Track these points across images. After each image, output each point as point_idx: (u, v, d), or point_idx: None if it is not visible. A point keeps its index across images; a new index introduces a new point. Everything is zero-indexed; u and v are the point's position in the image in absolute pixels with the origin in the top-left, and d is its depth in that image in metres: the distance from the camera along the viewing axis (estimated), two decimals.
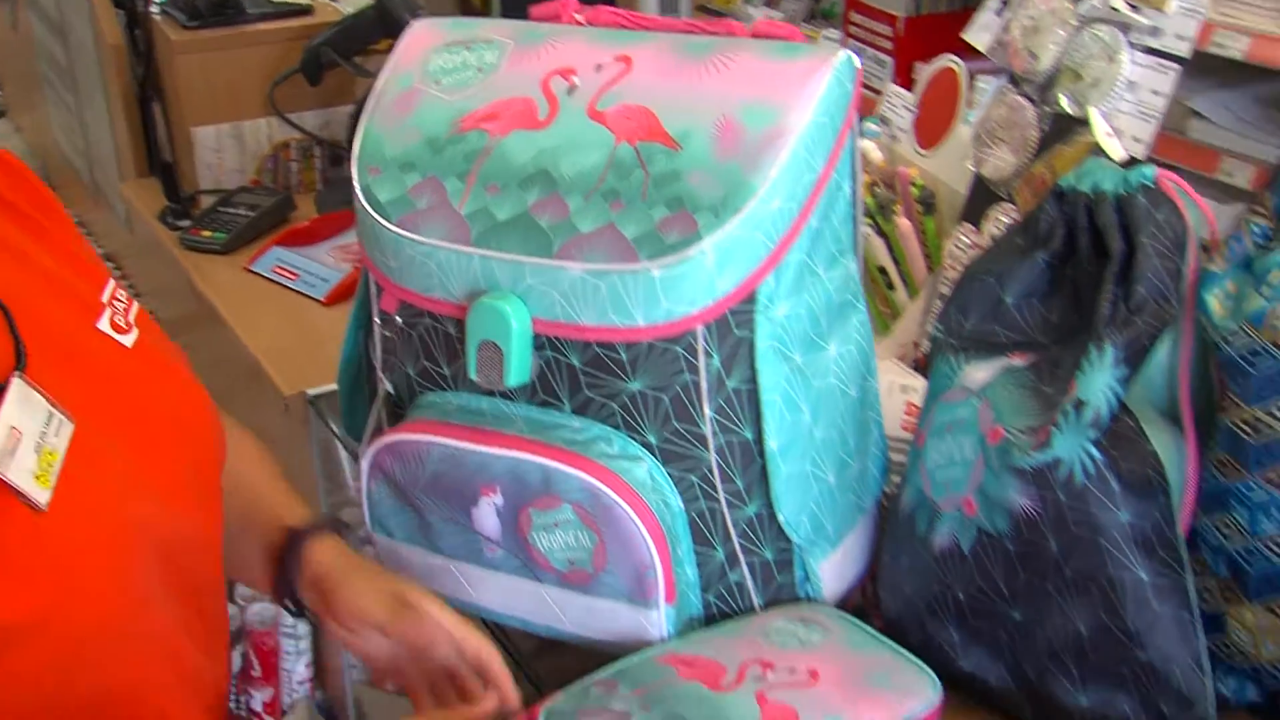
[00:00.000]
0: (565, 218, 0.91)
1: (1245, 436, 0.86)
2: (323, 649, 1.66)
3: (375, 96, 1.01)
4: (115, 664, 0.73)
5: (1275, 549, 0.86)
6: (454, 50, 1.01)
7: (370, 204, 0.96)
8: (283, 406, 1.45)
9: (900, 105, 1.48)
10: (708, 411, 0.91)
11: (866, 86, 1.82)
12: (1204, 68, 2.73)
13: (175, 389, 0.88)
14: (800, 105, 0.90)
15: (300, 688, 1.66)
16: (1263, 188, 0.90)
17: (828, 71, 0.91)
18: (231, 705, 1.61)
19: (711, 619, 0.97)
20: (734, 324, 0.90)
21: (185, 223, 1.82)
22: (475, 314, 0.92)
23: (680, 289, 0.88)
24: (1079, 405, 0.86)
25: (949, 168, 1.38)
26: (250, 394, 1.58)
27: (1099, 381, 0.86)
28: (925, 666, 0.91)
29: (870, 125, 1.49)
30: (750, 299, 0.90)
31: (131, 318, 0.85)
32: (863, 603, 1.04)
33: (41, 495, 0.70)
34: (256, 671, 1.61)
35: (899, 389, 1.20)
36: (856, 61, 0.94)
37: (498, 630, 1.08)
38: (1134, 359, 0.87)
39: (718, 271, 0.88)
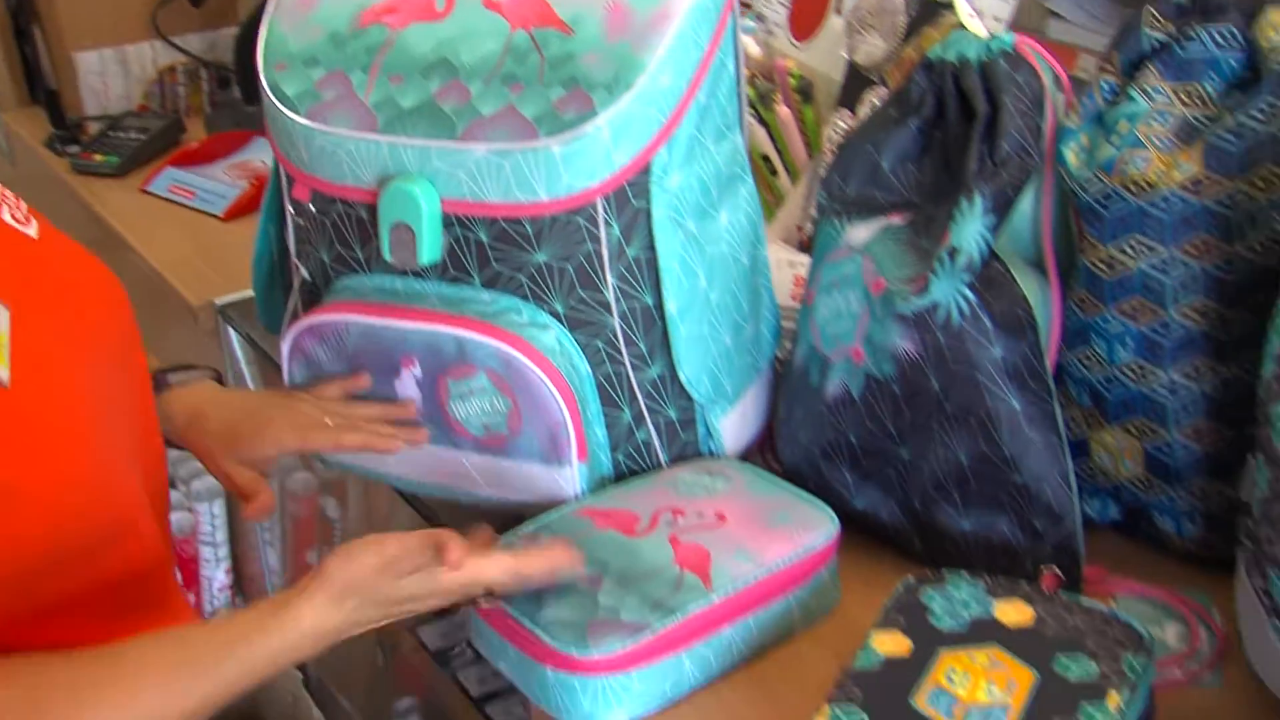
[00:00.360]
0: (467, 102, 0.96)
1: (1101, 274, 0.94)
2: (241, 556, 1.70)
3: None
4: (93, 514, 0.79)
5: (1130, 374, 0.95)
6: None
7: (278, 98, 1.00)
8: (192, 318, 1.49)
9: (775, 1, 1.54)
10: (610, 279, 0.97)
11: None
12: None
13: (86, 267, 0.92)
14: None
15: (220, 595, 1.70)
16: (1111, 47, 0.98)
17: None
18: None
19: (621, 477, 1.04)
20: (631, 195, 0.96)
21: (74, 148, 1.83)
22: (386, 198, 0.97)
23: (579, 163, 0.93)
24: (953, 252, 0.94)
25: (824, 57, 1.45)
26: (157, 311, 1.60)
27: (970, 229, 0.94)
28: (822, 503, 0.99)
29: (747, 22, 1.55)
30: (645, 171, 0.96)
31: (24, 212, 0.89)
32: (762, 456, 1.11)
33: (2, 373, 0.75)
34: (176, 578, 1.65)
35: (786, 264, 1.27)
36: None
37: (421, 505, 1.14)
38: (1001, 208, 0.95)
39: (613, 145, 0.94)
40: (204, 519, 1.60)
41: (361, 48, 0.99)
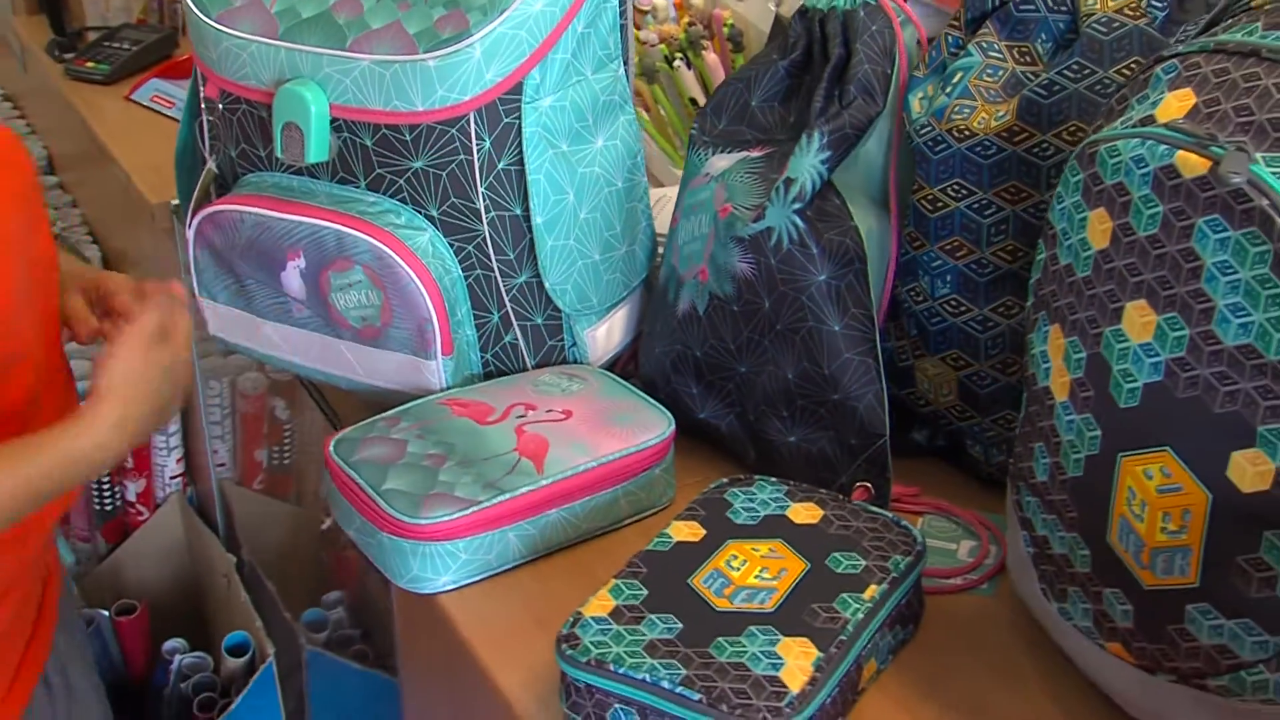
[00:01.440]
0: (359, 15, 1.04)
1: (926, 212, 1.01)
2: (192, 448, 1.81)
3: None
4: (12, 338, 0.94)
5: (949, 309, 1.02)
6: None
7: (194, 1, 1.10)
8: (150, 217, 1.58)
9: None
10: (480, 188, 1.06)
11: None
12: None
13: None
14: None
15: (172, 483, 1.80)
16: (961, 4, 1.05)
17: None
18: (107, 496, 1.76)
19: (490, 376, 1.13)
20: (503, 112, 1.05)
21: (70, 55, 1.93)
22: (279, 98, 1.05)
23: (453, 78, 1.02)
24: (788, 183, 1.02)
25: (757, 9, 1.52)
26: (125, 213, 1.70)
27: (805, 163, 1.02)
28: (664, 409, 1.07)
29: None
30: (517, 90, 1.05)
31: None
32: (629, 368, 1.19)
33: None
34: (129, 463, 1.76)
35: None
36: None
37: (313, 387, 1.23)
38: (838, 146, 1.02)
39: (485, 63, 1.02)
40: None
41: None
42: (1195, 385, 0.73)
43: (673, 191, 1.35)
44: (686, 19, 1.54)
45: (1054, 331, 0.83)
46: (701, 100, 1.51)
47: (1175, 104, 0.76)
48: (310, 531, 1.76)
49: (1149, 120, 0.77)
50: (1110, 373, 0.78)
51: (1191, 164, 0.72)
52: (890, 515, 0.95)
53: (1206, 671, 0.77)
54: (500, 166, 1.06)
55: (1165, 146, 0.74)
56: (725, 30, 1.50)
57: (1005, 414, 1.03)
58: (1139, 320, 0.76)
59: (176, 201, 1.57)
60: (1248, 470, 0.72)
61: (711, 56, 1.48)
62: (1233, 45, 0.76)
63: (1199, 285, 0.72)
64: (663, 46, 1.49)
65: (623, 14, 1.13)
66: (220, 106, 1.12)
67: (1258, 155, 0.70)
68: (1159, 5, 0.97)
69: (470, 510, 0.97)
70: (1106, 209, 0.78)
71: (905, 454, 1.08)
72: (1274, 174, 0.70)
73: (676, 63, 1.49)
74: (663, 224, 1.23)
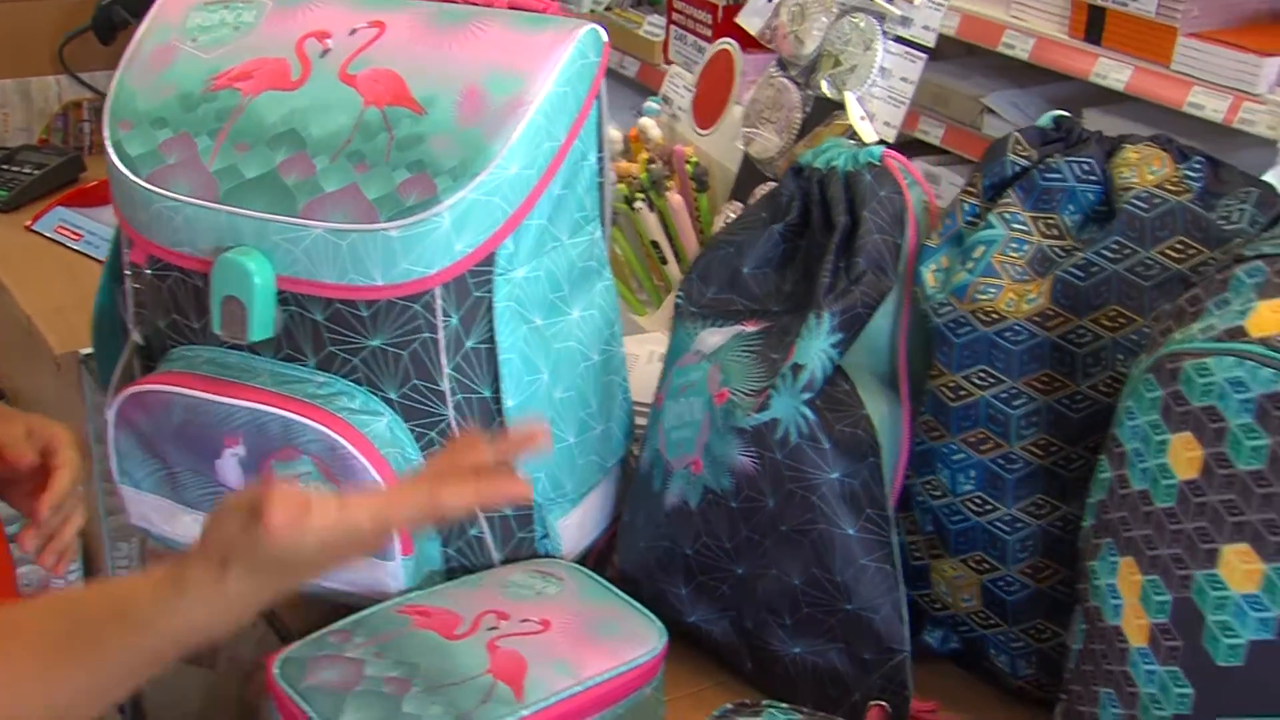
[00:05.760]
0: (311, 177, 0.93)
1: (947, 401, 0.91)
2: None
3: (131, 51, 1.02)
4: None
5: (972, 507, 0.92)
6: (212, 9, 1.02)
7: (120, 159, 0.97)
8: (55, 366, 1.44)
9: (682, 85, 1.53)
10: (446, 369, 0.94)
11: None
12: (998, 68, 2.85)
13: None
14: (542, 75, 0.94)
15: None
16: (976, 169, 0.96)
17: (571, 44, 0.95)
18: None
19: (453, 573, 1.00)
20: (473, 285, 0.93)
21: None
22: (219, 269, 0.93)
23: (418, 250, 0.90)
24: (796, 369, 0.91)
25: (723, 147, 1.43)
26: (25, 355, 1.56)
27: (815, 347, 0.91)
28: (653, 616, 0.95)
29: (652, 103, 1.53)
30: (489, 261, 0.93)
31: None
32: (606, 558, 1.08)
33: None
34: None
35: (659, 358, 1.24)
36: (603, 35, 0.98)
37: None
38: (849, 326, 0.92)
39: (455, 234, 0.91)
40: None
41: (211, 112, 0.96)
42: None
43: (639, 347, 1.24)
44: (645, 156, 1.44)
45: (1127, 565, 0.73)
46: (663, 244, 1.41)
47: (1270, 316, 0.67)
48: (229, 698, 1.61)
49: (1239, 333, 0.68)
50: (1204, 623, 0.68)
51: None
52: None
53: None
54: (468, 345, 0.94)
55: (1270, 370, 0.64)
56: (689, 168, 1.41)
57: (1036, 624, 0.93)
58: (1241, 567, 0.66)
59: (86, 351, 1.44)
60: None
61: (675, 198, 1.38)
62: None
63: None
64: (621, 186, 1.39)
65: (601, 171, 1.02)
66: (148, 273, 0.99)
67: None
68: (1195, 177, 0.89)
69: None
70: (1195, 434, 0.68)
71: (915, 658, 0.97)
72: None
73: (637, 204, 1.39)
74: (634, 388, 1.12)
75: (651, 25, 2.45)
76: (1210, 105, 1.99)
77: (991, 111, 2.60)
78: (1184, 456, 0.69)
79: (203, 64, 0.99)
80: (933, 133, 2.62)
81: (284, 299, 0.94)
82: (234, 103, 0.96)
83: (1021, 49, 2.31)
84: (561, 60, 0.94)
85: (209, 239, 0.94)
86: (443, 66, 0.95)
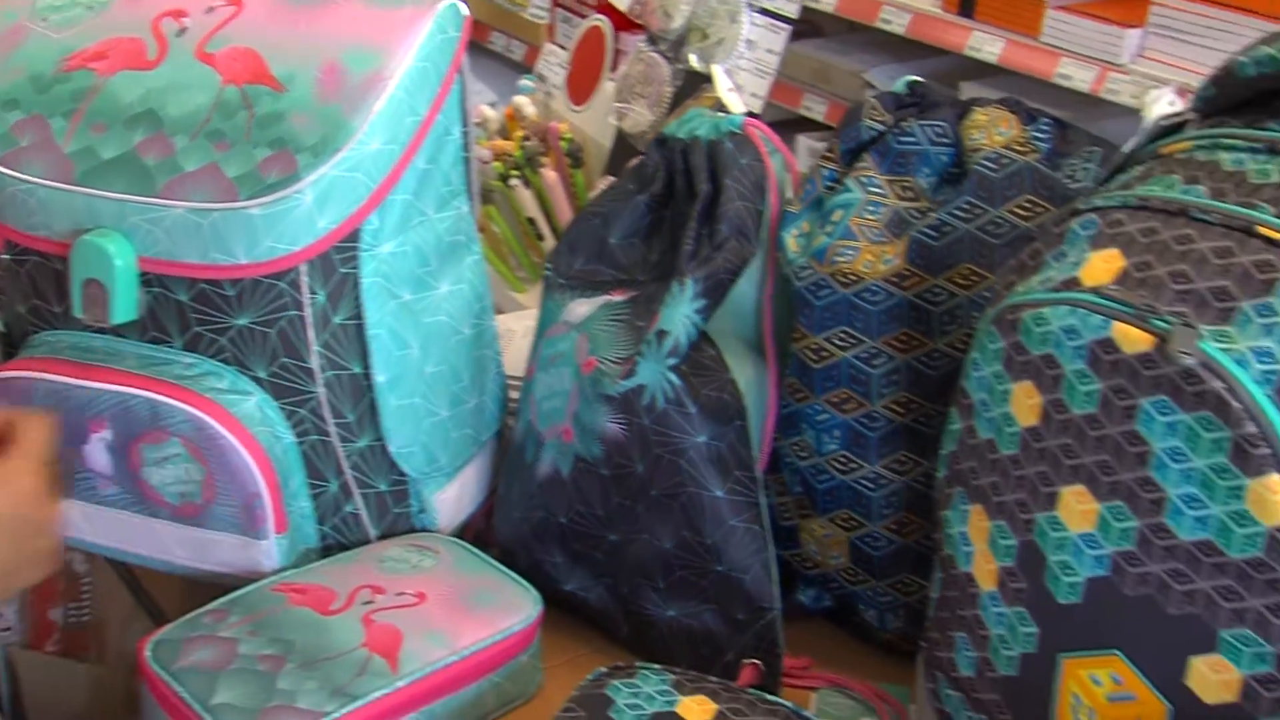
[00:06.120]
0: (170, 156, 0.92)
1: (810, 363, 0.93)
2: None
3: None
4: None
5: (837, 466, 0.94)
6: None
7: None
8: None
9: (556, 63, 1.53)
10: (314, 346, 0.94)
11: None
12: (878, 44, 2.88)
13: None
14: (401, 50, 0.94)
15: None
16: (833, 136, 0.97)
17: (430, 18, 0.95)
18: None
19: (329, 550, 1.00)
20: (338, 261, 0.93)
21: None
22: (78, 251, 0.92)
23: (281, 227, 0.90)
24: (661, 335, 0.93)
25: (596, 122, 1.44)
26: None
27: (679, 313, 0.93)
28: (529, 585, 0.96)
29: (527, 81, 1.53)
30: (354, 237, 0.93)
31: None
32: (484, 531, 1.08)
33: None
34: None
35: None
36: (463, 10, 0.98)
37: (126, 570, 1.09)
38: (713, 292, 0.94)
39: (318, 210, 0.91)
40: None
41: (66, 93, 0.95)
42: (1146, 583, 0.66)
43: (516, 323, 1.25)
44: (520, 133, 1.44)
45: (976, 512, 0.75)
46: (540, 220, 1.42)
47: (1101, 266, 0.69)
48: (115, 691, 1.59)
49: (1073, 283, 0.70)
50: (1046, 564, 0.70)
51: (1132, 338, 0.65)
52: (790, 705, 0.85)
53: None
54: (336, 321, 0.94)
55: (1100, 317, 0.67)
56: (563, 145, 1.41)
57: (902, 578, 0.95)
58: (1078, 508, 0.68)
59: None
60: (1210, 679, 0.64)
61: (550, 174, 1.39)
62: (1157, 201, 0.70)
63: (1146, 473, 0.65)
64: (497, 164, 1.40)
65: (465, 145, 1.03)
66: (6, 258, 0.98)
67: (1203, 330, 0.64)
68: (1042, 138, 0.92)
69: None
70: (1034, 383, 0.70)
71: (789, 617, 0.98)
72: (1224, 351, 0.63)
73: (513, 181, 1.39)
74: (510, 362, 1.13)
75: (536, 8, 2.45)
76: (1078, 76, 2.04)
77: (873, 87, 2.64)
78: (1025, 404, 0.71)
79: (55, 44, 0.97)
80: (816, 109, 2.65)
81: (147, 280, 0.93)
82: (89, 83, 0.95)
83: (898, 24, 2.35)
84: (421, 35, 0.94)
85: (67, 222, 0.93)
86: (301, 43, 0.94)
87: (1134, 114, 1.95)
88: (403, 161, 0.95)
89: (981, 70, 2.28)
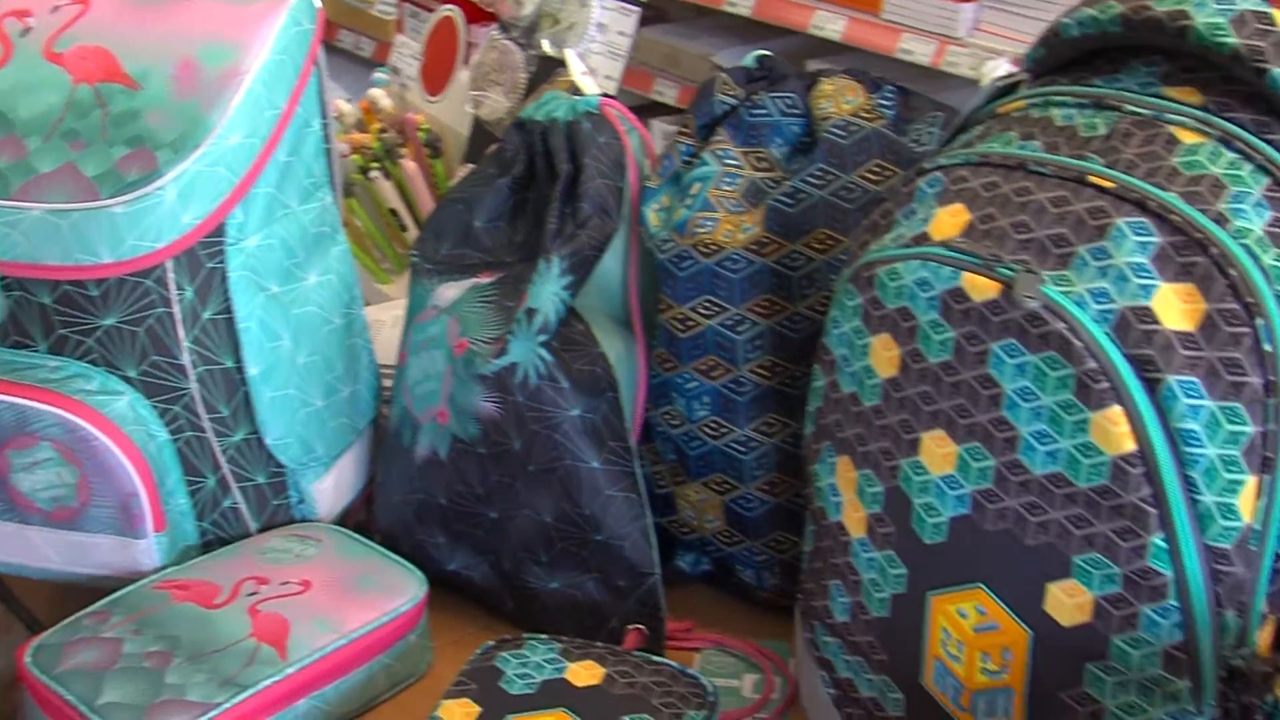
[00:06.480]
0: (23, 158, 0.91)
1: (677, 332, 0.96)
2: None
3: None
4: None
5: (709, 432, 0.97)
6: None
7: None
8: None
9: (408, 55, 1.54)
10: (185, 343, 0.94)
11: None
12: (725, 26, 2.93)
13: None
14: (257, 44, 0.94)
15: None
16: (688, 111, 1.00)
17: (283, 11, 0.95)
18: None
19: (210, 545, 1.00)
20: (204, 257, 0.93)
21: None
22: None
23: (144, 224, 0.90)
24: (530, 313, 0.94)
25: (453, 112, 1.45)
26: None
27: (547, 291, 0.95)
28: (413, 567, 0.98)
29: (381, 74, 1.54)
30: (219, 231, 0.94)
31: None
32: (365, 518, 1.09)
33: None
34: None
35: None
36: (316, 2, 0.99)
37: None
38: (579, 269, 0.96)
39: (181, 206, 0.91)
40: None
41: None
42: (1004, 518, 0.70)
43: (384, 314, 1.26)
44: (377, 126, 1.45)
45: (843, 463, 0.78)
46: (402, 211, 1.42)
47: (948, 220, 0.73)
48: None
49: (923, 239, 0.73)
50: (911, 507, 0.74)
51: (980, 287, 0.69)
52: (675, 665, 0.88)
53: None
54: (206, 317, 0.95)
55: (949, 269, 0.70)
56: (421, 135, 1.42)
57: (776, 536, 0.98)
58: (938, 451, 0.72)
59: None
60: (1066, 603, 0.68)
61: (410, 164, 1.40)
62: (996, 157, 0.74)
63: (1000, 413, 0.69)
64: (356, 157, 1.40)
65: (326, 137, 1.03)
66: None
67: (1044, 275, 0.68)
68: (887, 105, 0.96)
69: (208, 716, 0.85)
70: (891, 335, 0.74)
71: (669, 583, 1.01)
72: (1064, 294, 0.67)
73: (373, 173, 1.39)
74: (381, 352, 1.14)
75: (384, 4, 2.45)
76: (919, 50, 2.10)
77: (721, 69, 2.67)
78: (884, 356, 0.74)
79: None
80: (668, 93, 2.69)
81: (7, 284, 0.92)
82: None
83: (744, 6, 2.39)
84: (275, 28, 0.95)
85: None
86: (154, 41, 0.94)
87: (973, 85, 2.02)
88: (264, 155, 0.95)
89: (826, 48, 2.33)
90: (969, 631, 0.72)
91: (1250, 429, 0.64)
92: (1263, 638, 0.67)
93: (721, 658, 0.98)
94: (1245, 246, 0.65)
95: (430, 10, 2.24)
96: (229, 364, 0.96)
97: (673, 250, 0.95)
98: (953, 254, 0.71)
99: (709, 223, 0.94)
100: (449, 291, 1.01)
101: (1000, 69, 1.15)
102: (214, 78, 0.92)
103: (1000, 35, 2.03)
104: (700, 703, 0.85)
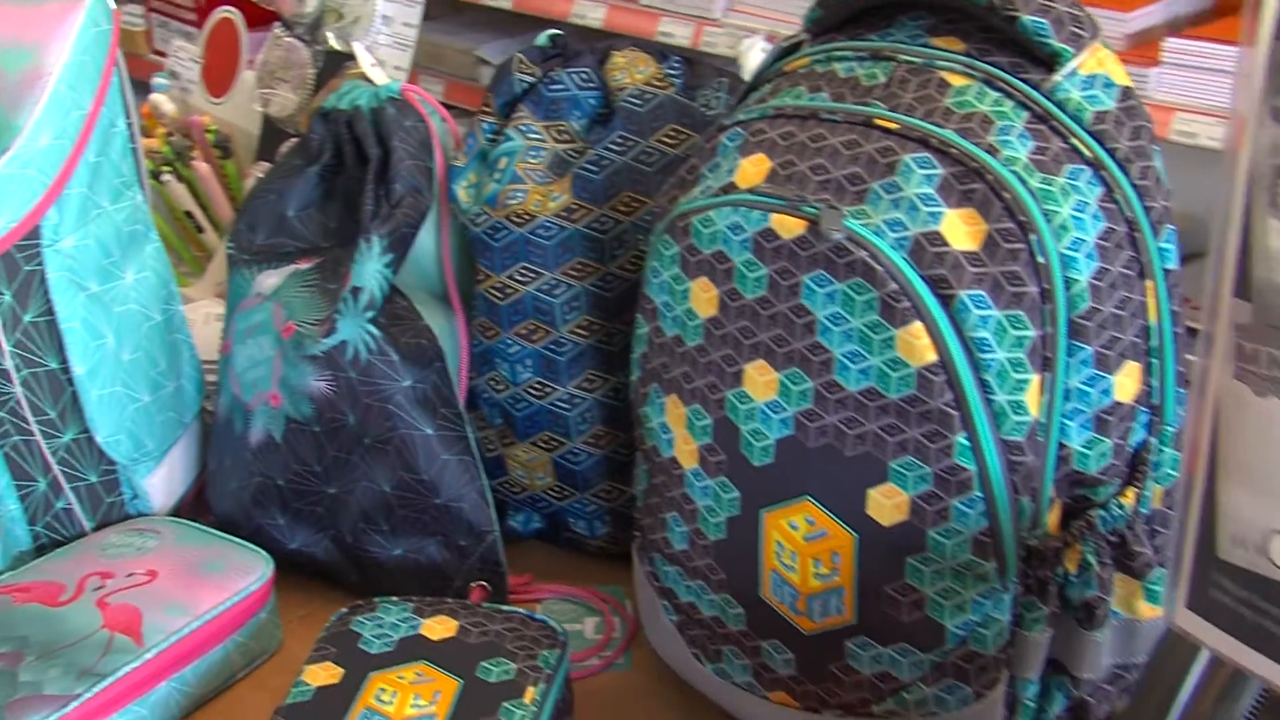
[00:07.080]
0: None
1: (496, 300, 1.01)
2: None
3: None
4: None
5: (533, 393, 1.02)
6: None
7: None
8: None
9: (187, 59, 1.54)
10: (6, 347, 0.94)
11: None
12: (486, 21, 2.97)
13: None
14: (56, 45, 0.95)
15: None
16: (488, 91, 1.05)
17: (80, 12, 0.96)
18: None
19: (44, 549, 1.01)
20: (21, 260, 0.94)
21: None
22: None
23: None
24: (355, 291, 0.98)
25: (240, 111, 1.46)
26: None
27: (370, 269, 0.98)
28: (257, 548, 1.00)
29: (160, 80, 1.53)
30: (35, 234, 0.94)
31: None
32: (196, 510, 1.11)
33: None
34: None
35: (215, 319, 1.27)
36: (110, 3, 1.00)
37: None
38: (398, 246, 1.00)
39: None
40: None
41: None
42: (825, 434, 0.77)
43: (195, 313, 1.27)
44: (163, 130, 1.45)
45: (671, 402, 0.84)
46: (196, 213, 1.43)
47: (752, 169, 0.80)
48: None
49: (731, 188, 0.80)
50: (740, 434, 0.80)
51: (788, 225, 0.76)
52: (524, 611, 0.93)
53: (870, 699, 0.81)
54: (27, 320, 0.95)
55: (759, 212, 0.77)
56: (210, 137, 1.43)
57: (604, 487, 1.04)
58: (761, 380, 0.78)
59: None
60: (885, 504, 0.76)
61: (202, 166, 1.40)
62: (790, 109, 0.81)
63: (815, 339, 0.76)
64: (146, 162, 1.40)
65: (132, 136, 1.04)
66: None
67: (845, 210, 0.75)
68: (675, 73, 1.02)
69: (70, 708, 0.86)
70: (709, 278, 0.80)
71: (505, 543, 1.06)
72: (864, 226, 0.74)
73: (164, 177, 1.40)
74: (201, 348, 1.15)
75: (130, 15, 2.41)
76: (678, 33, 2.19)
77: (486, 63, 2.72)
78: (703, 298, 0.81)
79: None
80: (435, 90, 2.72)
81: None
82: None
83: None
84: (74, 29, 0.96)
85: None
86: None
87: (731, 63, 2.12)
88: (74, 155, 0.96)
89: (589, 36, 2.40)
90: (800, 541, 0.79)
91: (1032, 333, 0.73)
92: (1052, 519, 0.76)
93: (561, 606, 1.03)
94: (1015, 173, 0.74)
95: (181, 20, 2.22)
96: (54, 365, 0.97)
97: (486, 223, 1.00)
98: (760, 198, 0.77)
99: (519, 194, 0.99)
100: (270, 279, 1.04)
101: (756, 47, 1.24)
102: (16, 80, 0.93)
103: (754, 14, 2.13)
104: (552, 643, 0.90)
